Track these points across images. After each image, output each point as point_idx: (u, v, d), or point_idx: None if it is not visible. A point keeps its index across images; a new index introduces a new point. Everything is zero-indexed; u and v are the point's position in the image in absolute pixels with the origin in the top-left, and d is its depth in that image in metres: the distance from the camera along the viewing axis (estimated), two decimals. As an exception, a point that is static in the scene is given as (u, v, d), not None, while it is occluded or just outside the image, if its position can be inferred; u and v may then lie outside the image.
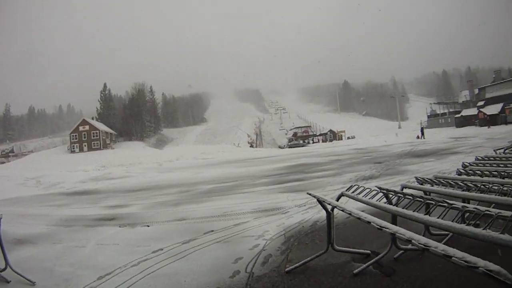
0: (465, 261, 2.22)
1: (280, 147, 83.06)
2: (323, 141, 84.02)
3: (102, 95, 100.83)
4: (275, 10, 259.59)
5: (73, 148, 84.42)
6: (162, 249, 6.07)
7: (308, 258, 4.96)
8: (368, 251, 5.15)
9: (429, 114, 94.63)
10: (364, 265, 4.62)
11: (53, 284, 4.84)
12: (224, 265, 5.18)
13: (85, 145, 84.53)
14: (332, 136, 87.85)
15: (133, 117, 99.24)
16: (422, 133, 48.18)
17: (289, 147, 71.76)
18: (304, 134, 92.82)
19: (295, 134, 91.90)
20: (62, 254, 6.14)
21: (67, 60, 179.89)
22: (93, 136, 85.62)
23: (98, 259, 5.77)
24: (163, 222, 8.48)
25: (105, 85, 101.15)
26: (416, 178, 6.79)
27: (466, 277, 3.96)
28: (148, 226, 8.20)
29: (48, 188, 19.01)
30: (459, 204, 3.87)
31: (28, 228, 8.47)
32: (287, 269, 4.81)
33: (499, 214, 3.27)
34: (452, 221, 3.25)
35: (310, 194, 5.43)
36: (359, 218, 3.91)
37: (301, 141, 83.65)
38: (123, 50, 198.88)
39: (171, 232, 7.41)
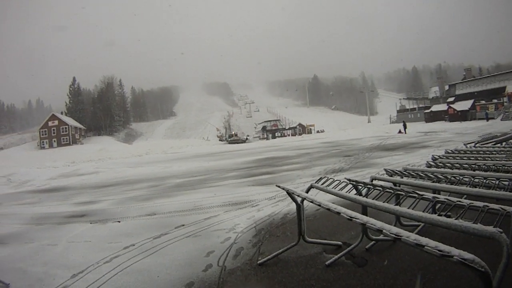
0: (439, 250, 2.20)
1: (220, 140, 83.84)
2: (292, 135, 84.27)
3: (71, 89, 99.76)
4: (244, 6, 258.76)
5: (43, 144, 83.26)
6: (133, 245, 5.98)
7: (280, 250, 4.94)
8: (340, 243, 5.14)
9: (398, 109, 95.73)
10: (336, 256, 4.61)
11: (26, 284, 4.70)
12: (196, 259, 5.13)
13: (54, 141, 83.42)
14: (301, 130, 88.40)
15: (102, 111, 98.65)
16: (405, 128, 46.76)
17: (229, 143, 72.48)
18: (273, 127, 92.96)
19: (264, 128, 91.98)
20: (34, 254, 5.99)
21: (36, 54, 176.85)
22: (63, 132, 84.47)
23: (70, 257, 5.65)
24: (134, 218, 8.37)
25: (74, 79, 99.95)
26: (386, 170, 6.81)
27: (439, 266, 4.00)
28: (119, 221, 8.08)
29: (18, 186, 18.63)
30: (429, 195, 3.90)
31: (0, 228, 8.29)
32: (259, 262, 4.78)
33: (471, 204, 3.28)
34: (423, 212, 3.24)
35: (279, 187, 5.43)
36: (328, 209, 3.87)
37: (245, 137, 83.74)
38: (91, 44, 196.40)
39: (142, 227, 7.32)
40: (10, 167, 34.27)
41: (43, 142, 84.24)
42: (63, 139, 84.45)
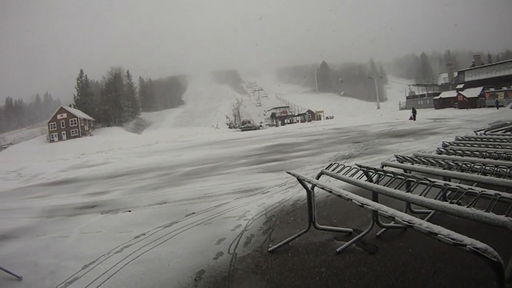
0: (451, 239, 2.19)
1: (230, 128, 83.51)
2: (301, 121, 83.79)
3: (78, 81, 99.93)
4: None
5: (52, 138, 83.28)
6: (144, 234, 6.02)
7: (291, 237, 4.96)
8: (350, 229, 5.16)
9: (408, 96, 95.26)
10: (347, 243, 4.62)
11: (38, 277, 4.73)
12: (207, 247, 5.15)
13: (63, 134, 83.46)
14: (311, 116, 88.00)
15: (111, 102, 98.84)
16: (414, 114, 45.53)
17: (242, 130, 71.68)
18: (283, 114, 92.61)
19: (273, 115, 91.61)
20: (46, 246, 6.05)
21: (42, 48, 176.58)
22: (72, 124, 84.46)
23: (81, 248, 5.69)
24: (144, 207, 8.42)
25: (81, 71, 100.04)
26: (396, 156, 6.77)
27: (450, 254, 3.99)
28: (130, 211, 8.12)
29: (29, 180, 18.73)
30: (441, 182, 3.86)
31: (12, 223, 8.33)
32: (270, 249, 4.80)
33: (483, 192, 3.24)
34: (434, 199, 3.22)
35: (289, 173, 5.40)
36: (339, 196, 3.84)
37: (259, 124, 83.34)
38: (98, 36, 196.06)
39: (153, 216, 7.36)
40: (20, 161, 34.64)
41: (52, 135, 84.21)
42: (72, 131, 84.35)
